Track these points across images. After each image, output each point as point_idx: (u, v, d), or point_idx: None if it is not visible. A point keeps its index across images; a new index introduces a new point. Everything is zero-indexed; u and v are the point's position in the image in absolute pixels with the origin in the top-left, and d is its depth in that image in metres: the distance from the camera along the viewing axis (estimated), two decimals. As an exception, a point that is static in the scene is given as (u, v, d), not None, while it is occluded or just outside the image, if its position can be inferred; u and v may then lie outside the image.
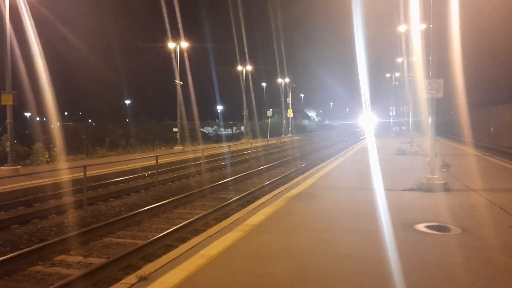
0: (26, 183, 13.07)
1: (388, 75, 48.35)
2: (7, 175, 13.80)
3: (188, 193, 12.85)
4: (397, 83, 42.96)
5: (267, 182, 15.21)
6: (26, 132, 29.11)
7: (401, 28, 25.79)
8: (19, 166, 16.44)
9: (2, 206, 10.93)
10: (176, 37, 31.14)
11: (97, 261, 7.10)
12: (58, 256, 7.36)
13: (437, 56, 10.35)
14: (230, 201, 11.68)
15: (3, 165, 16.23)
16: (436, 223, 6.93)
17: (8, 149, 15.99)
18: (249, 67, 47.19)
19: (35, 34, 17.77)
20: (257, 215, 7.69)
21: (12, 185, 12.61)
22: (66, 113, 72.03)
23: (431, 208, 8.34)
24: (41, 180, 13.48)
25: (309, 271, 4.83)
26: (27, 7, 16.76)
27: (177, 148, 29.23)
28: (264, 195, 10.89)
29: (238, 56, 46.96)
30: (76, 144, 26.96)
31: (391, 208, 8.27)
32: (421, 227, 6.72)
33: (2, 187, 12.25)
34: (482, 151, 23.50)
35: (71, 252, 7.60)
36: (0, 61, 16.04)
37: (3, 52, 15.88)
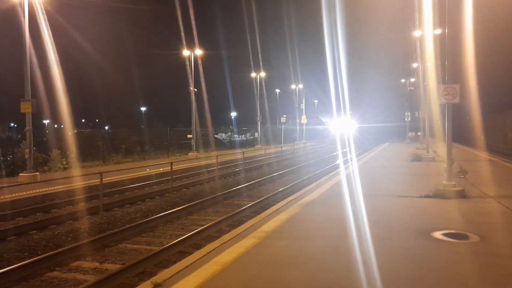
0: (44, 189, 13.31)
1: (403, 80, 47.95)
2: (26, 181, 14.06)
3: (202, 200, 12.90)
4: (412, 88, 42.58)
5: (281, 189, 15.18)
6: (44, 139, 29.65)
7: (416, 33, 25.60)
8: (37, 173, 16.73)
9: (21, 212, 11.13)
10: (190, 45, 31.48)
11: (112, 267, 7.17)
12: (75, 262, 7.46)
13: (452, 61, 10.26)
14: (244, 207, 11.68)
15: (22, 172, 16.55)
16: (453, 231, 6.82)
17: (27, 156, 16.30)
18: (262, 74, 47.34)
19: (52, 43, 18.15)
20: (271, 221, 7.68)
21: (31, 192, 12.85)
22: (83, 120, 73.08)
23: (448, 215, 8.22)
24: (58, 187, 13.71)
25: (322, 278, 4.81)
26: (45, 16, 17.14)
27: (192, 154, 29.41)
28: (277, 202, 10.88)
29: (252, 63, 47.22)
30: (92, 151, 27.36)
31: (407, 215, 8.18)
32: (438, 234, 6.62)
33: (21, 194, 12.49)
34: (499, 157, 23.08)
35: (87, 258, 7.68)
36: (19, 69, 16.39)
37: (21, 61, 16.23)
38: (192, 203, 12.38)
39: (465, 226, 7.14)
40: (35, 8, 16.56)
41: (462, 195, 9.89)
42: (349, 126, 55.24)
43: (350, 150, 41.61)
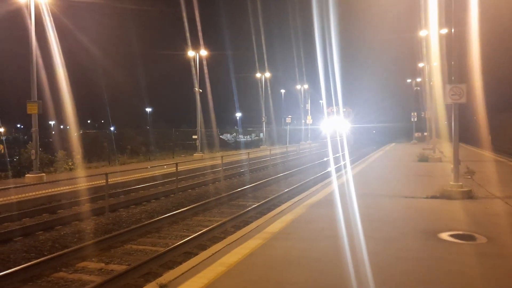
0: (50, 190, 13.36)
1: (409, 80, 47.73)
2: (32, 182, 14.14)
3: (207, 200, 12.91)
4: (418, 88, 42.37)
5: (286, 190, 15.14)
6: (50, 140, 29.87)
7: (422, 33, 25.49)
8: (43, 174, 16.80)
9: (27, 213, 11.18)
10: (195, 45, 31.49)
11: (118, 268, 7.18)
12: (81, 263, 7.48)
13: (458, 61, 10.19)
14: (249, 208, 11.67)
15: (28, 173, 16.63)
16: (460, 232, 6.77)
17: (33, 157, 16.38)
18: (267, 74, 47.32)
19: (58, 44, 18.23)
20: (277, 222, 7.66)
21: (37, 192, 12.91)
22: (88, 121, 73.51)
23: (455, 216, 8.15)
24: (64, 187, 13.76)
25: (328, 279, 4.78)
26: (51, 18, 17.22)
27: (197, 155, 29.43)
28: (283, 203, 10.85)
29: (257, 63, 47.17)
30: (98, 152, 27.52)
31: (413, 216, 8.13)
32: (445, 235, 6.57)
33: (27, 194, 12.55)
34: (506, 157, 22.91)
35: (93, 259, 7.70)
36: (25, 71, 16.47)
37: (27, 62, 16.31)
38: (197, 204, 12.38)
39: (472, 227, 7.08)
40: (41, 10, 16.64)
41: (469, 195, 9.81)
42: (345, 126, 50.17)
43: (356, 151, 41.44)
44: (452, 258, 5.49)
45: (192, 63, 31.19)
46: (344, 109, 53.65)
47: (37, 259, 7.36)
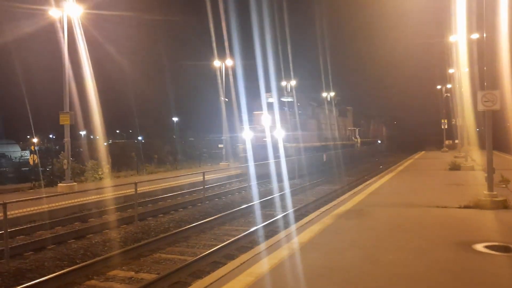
0: (81, 199, 13.71)
1: (439, 86, 46.65)
2: (64, 191, 14.55)
3: (234, 210, 12.92)
4: (448, 94, 41.37)
5: (314, 199, 15.01)
6: (81, 149, 30.69)
7: (452, 38, 24.95)
8: (75, 183, 17.24)
9: (60, 221, 11.49)
10: (221, 55, 31.74)
11: (148, 276, 7.26)
12: (112, 271, 7.60)
13: (490, 67, 9.92)
14: (276, 218, 11.61)
15: (60, 182, 17.10)
16: (496, 243, 6.52)
17: (65, 167, 16.85)
18: (293, 82, 47.15)
19: (88, 57, 18.73)
20: (305, 232, 7.58)
21: (69, 201, 13.25)
22: (117, 131, 75.02)
23: (490, 226, 7.87)
24: (95, 197, 14.07)
25: (361, 292, 4.68)
26: (82, 31, 17.73)
27: (223, 164, 29.59)
28: (311, 212, 10.75)
29: (282, 71, 47.02)
30: (127, 161, 28.07)
31: (446, 226, 7.90)
32: (479, 247, 6.34)
33: (59, 203, 12.89)
34: (544, 165, 21.99)
35: (123, 267, 7.82)
36: (57, 82, 16.98)
37: (59, 74, 16.85)
38: (224, 213, 12.42)
39: (508, 238, 6.82)
40: (72, 23, 17.17)
41: (504, 205, 9.45)
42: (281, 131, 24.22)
43: (385, 155, 40.69)
44: (488, 270, 5.29)
45: (218, 73, 31.49)
46: (290, 99, 29.69)
47: (70, 267, 7.53)
